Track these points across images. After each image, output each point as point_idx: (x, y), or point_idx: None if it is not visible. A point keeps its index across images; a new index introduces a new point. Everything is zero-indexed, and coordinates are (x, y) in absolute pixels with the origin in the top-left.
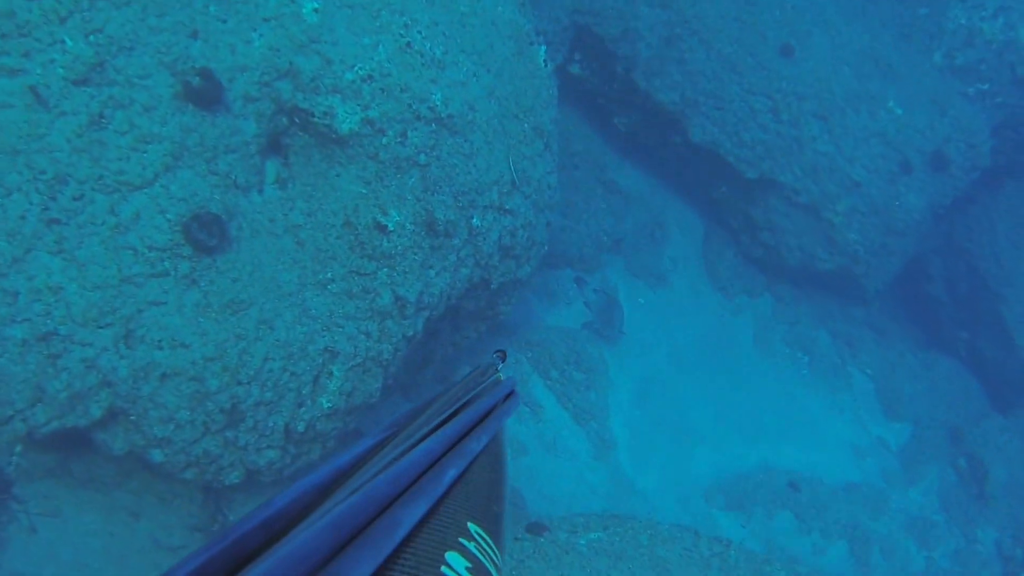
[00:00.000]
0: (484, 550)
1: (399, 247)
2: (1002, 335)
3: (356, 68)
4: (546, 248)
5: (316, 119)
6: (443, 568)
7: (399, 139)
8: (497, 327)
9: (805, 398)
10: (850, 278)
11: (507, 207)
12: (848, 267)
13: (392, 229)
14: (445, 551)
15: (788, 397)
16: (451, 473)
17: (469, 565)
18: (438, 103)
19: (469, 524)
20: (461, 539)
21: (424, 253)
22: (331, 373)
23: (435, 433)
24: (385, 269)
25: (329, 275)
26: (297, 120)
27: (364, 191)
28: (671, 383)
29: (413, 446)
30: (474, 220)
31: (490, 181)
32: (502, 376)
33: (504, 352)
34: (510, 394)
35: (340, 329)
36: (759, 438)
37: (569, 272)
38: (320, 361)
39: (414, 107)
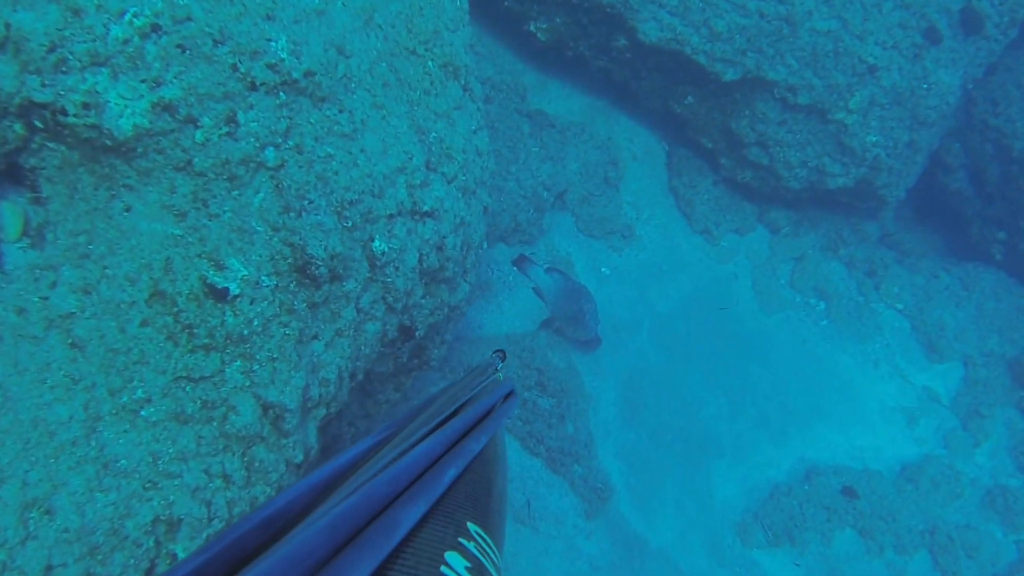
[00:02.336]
0: (484, 550)
1: (254, 319)
2: None
3: (129, 15)
4: (486, 246)
5: (72, 118)
6: (443, 568)
7: (225, 129)
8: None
9: (830, 356)
10: (868, 192)
11: (424, 207)
12: (868, 179)
13: (237, 291)
14: (445, 551)
15: (810, 360)
16: (450, 473)
17: (469, 565)
18: (284, 55)
19: (468, 524)
20: (460, 539)
21: (300, 318)
22: (173, 555)
23: (434, 433)
24: (237, 362)
25: (140, 393)
26: (39, 124)
27: (177, 231)
28: (663, 376)
29: (412, 446)
30: (375, 243)
31: (391, 170)
32: (501, 376)
33: (504, 352)
34: (510, 394)
35: (174, 481)
36: (788, 428)
37: (503, 249)
38: (150, 543)
39: (243, 69)
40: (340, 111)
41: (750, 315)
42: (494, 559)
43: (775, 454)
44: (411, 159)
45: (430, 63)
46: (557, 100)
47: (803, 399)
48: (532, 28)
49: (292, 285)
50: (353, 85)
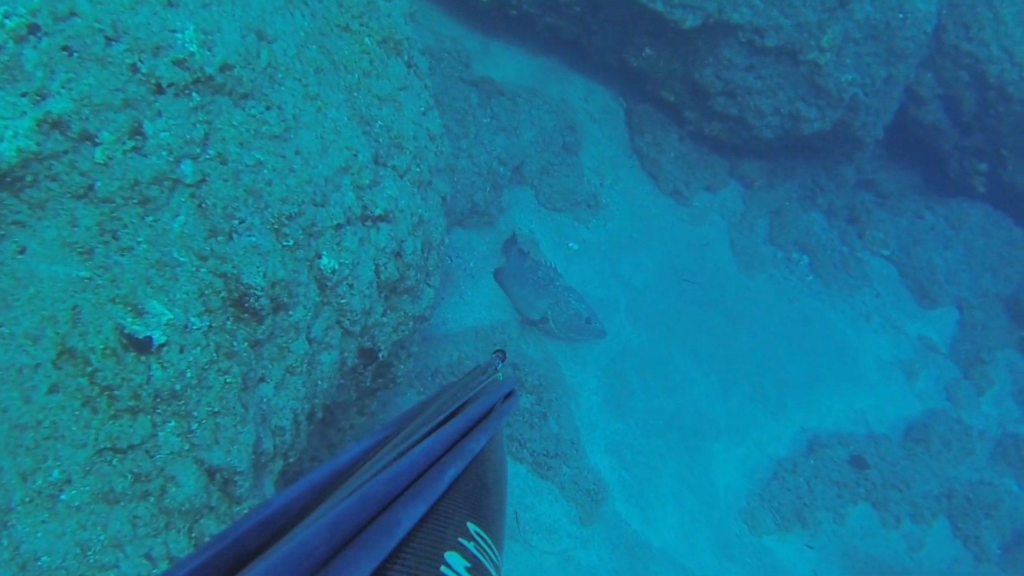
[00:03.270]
0: (483, 550)
1: (186, 370)
2: None
3: None
4: (447, 240)
5: None
6: (442, 568)
7: (130, 144)
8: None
9: (820, 315)
10: (846, 135)
11: (376, 210)
12: (846, 121)
13: (162, 339)
14: (444, 551)
15: (799, 321)
16: (450, 473)
17: (468, 565)
18: (193, 47)
19: (468, 524)
20: (460, 539)
21: (242, 361)
22: None
23: (434, 433)
24: (171, 422)
25: (56, 474)
26: None
27: (84, 273)
28: (647, 356)
29: (412, 446)
30: (323, 260)
31: (334, 171)
32: (501, 376)
33: (503, 352)
34: (510, 393)
35: (110, 573)
36: (785, 399)
37: (461, 234)
38: None
39: (145, 69)
40: (267, 108)
41: (732, 279)
42: (494, 559)
43: (774, 428)
44: (356, 156)
45: (367, 39)
46: (503, 64)
47: (797, 365)
48: None
49: (229, 323)
50: (280, 75)
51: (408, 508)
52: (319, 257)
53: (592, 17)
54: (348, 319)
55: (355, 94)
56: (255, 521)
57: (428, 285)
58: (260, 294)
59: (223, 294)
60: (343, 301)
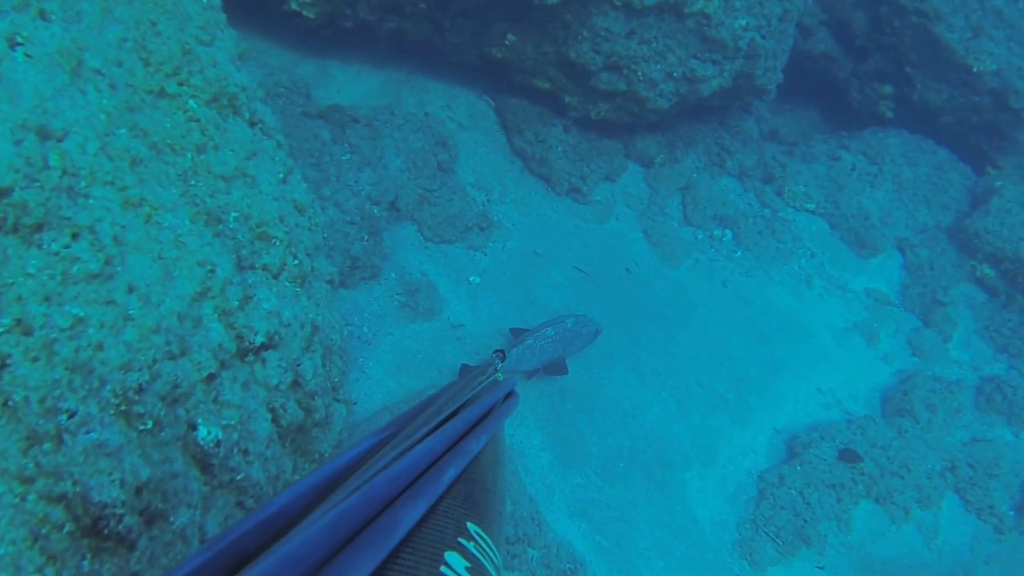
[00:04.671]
0: (483, 550)
1: None
2: (944, 66)
3: None
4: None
5: None
6: (442, 568)
7: None
8: None
9: (759, 292)
10: (747, 87)
11: (256, 338)
12: (746, 71)
13: None
14: (444, 551)
15: (739, 305)
16: (450, 473)
17: (468, 565)
18: None
19: (468, 524)
20: (460, 539)
21: None
22: None
23: (434, 433)
24: None
25: None
26: None
27: None
28: (587, 389)
29: (412, 446)
30: (199, 432)
31: (188, 302)
32: (501, 376)
33: (503, 352)
34: (509, 394)
35: None
36: (747, 400)
37: (344, 296)
38: None
39: None
40: (74, 237)
41: (655, 275)
42: (493, 559)
43: (745, 438)
44: (213, 271)
45: (192, 102)
46: (348, 86)
47: (750, 357)
48: (294, 6)
49: (85, 563)
50: (83, 184)
51: (408, 508)
52: (193, 429)
53: (442, 12)
54: (251, 494)
55: (192, 182)
56: (255, 521)
57: (338, 401)
58: (122, 511)
59: (67, 526)
60: (239, 477)
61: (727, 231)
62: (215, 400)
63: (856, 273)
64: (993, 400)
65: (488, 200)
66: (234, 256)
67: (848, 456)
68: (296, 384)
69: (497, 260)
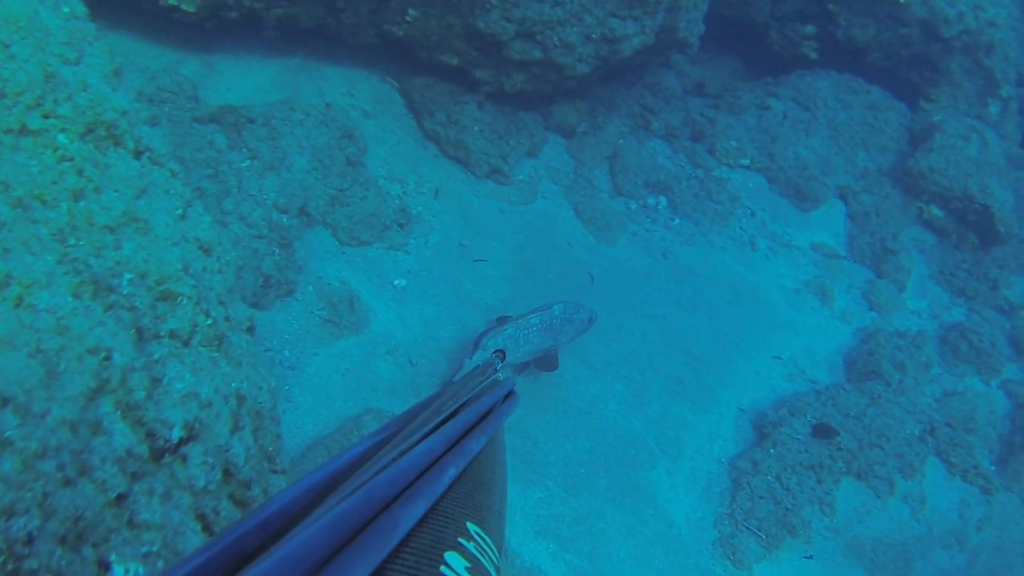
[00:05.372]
0: (483, 550)
1: None
2: (869, 0)
3: None
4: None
5: None
6: (442, 568)
7: None
8: None
9: (702, 260)
10: (670, 41)
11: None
12: (669, 25)
13: None
14: (444, 551)
15: (682, 276)
16: (450, 473)
17: (468, 565)
18: None
19: (468, 524)
20: (460, 539)
21: None
22: None
23: (434, 433)
24: None
25: None
26: None
27: None
28: (536, 391)
29: (412, 446)
30: (113, 571)
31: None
32: (501, 375)
33: (503, 352)
34: (509, 394)
35: None
36: (707, 381)
37: (260, 319)
38: None
39: None
40: None
41: (592, 254)
42: (493, 559)
43: (710, 423)
44: (109, 357)
45: (61, 137)
46: (239, 82)
47: (702, 333)
48: (171, 0)
49: None
50: None
51: (408, 508)
52: (106, 571)
53: None
54: None
55: (72, 241)
56: (255, 522)
57: (275, 473)
58: None
59: None
60: None
61: (661, 198)
62: (130, 524)
63: (800, 228)
64: (959, 349)
65: (404, 192)
66: (133, 331)
67: (823, 431)
68: (228, 476)
69: (421, 258)
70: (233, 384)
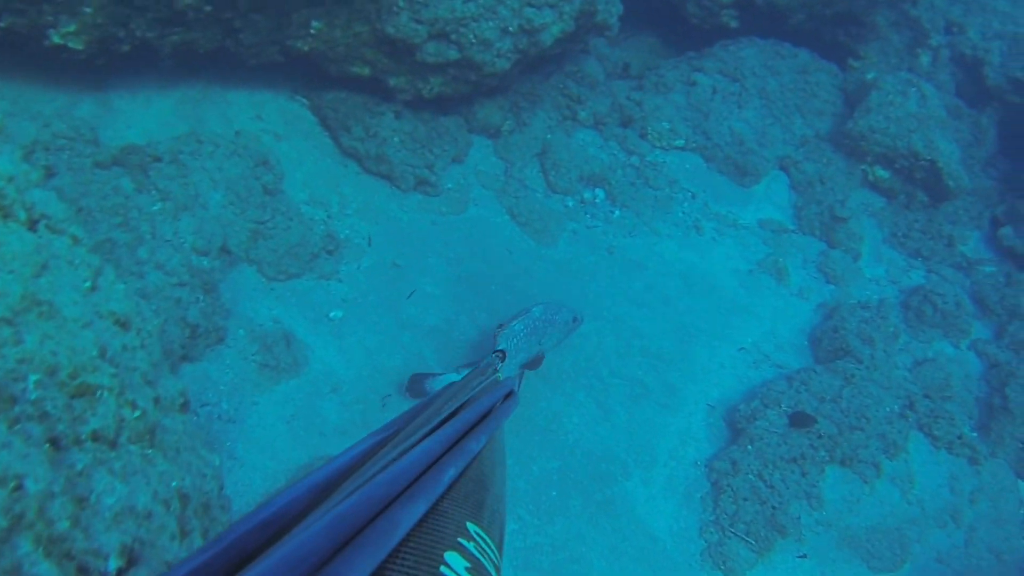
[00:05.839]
0: (483, 550)
1: None
2: None
3: None
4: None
5: None
6: (442, 568)
7: None
8: None
9: (648, 251)
10: (589, 26)
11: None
12: (587, 10)
13: None
14: (444, 551)
15: (630, 272)
16: (450, 473)
17: (468, 565)
18: None
19: (468, 524)
20: (460, 539)
21: None
22: None
23: (434, 433)
24: None
25: None
26: None
27: None
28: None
29: (412, 446)
30: None
31: None
32: (501, 376)
33: (503, 352)
34: (509, 394)
35: None
36: (670, 379)
37: (191, 371)
38: None
39: None
40: None
41: (534, 258)
42: (493, 559)
43: (680, 424)
44: (21, 486)
45: None
46: (139, 119)
47: (659, 329)
48: (56, 39)
49: None
50: None
51: (408, 508)
52: None
53: (231, 12)
54: None
55: None
56: (255, 522)
57: None
58: None
59: None
60: None
61: (598, 191)
62: None
63: (744, 205)
64: (924, 314)
65: (329, 216)
66: (46, 445)
67: (800, 420)
68: None
69: (355, 284)
70: (174, 483)
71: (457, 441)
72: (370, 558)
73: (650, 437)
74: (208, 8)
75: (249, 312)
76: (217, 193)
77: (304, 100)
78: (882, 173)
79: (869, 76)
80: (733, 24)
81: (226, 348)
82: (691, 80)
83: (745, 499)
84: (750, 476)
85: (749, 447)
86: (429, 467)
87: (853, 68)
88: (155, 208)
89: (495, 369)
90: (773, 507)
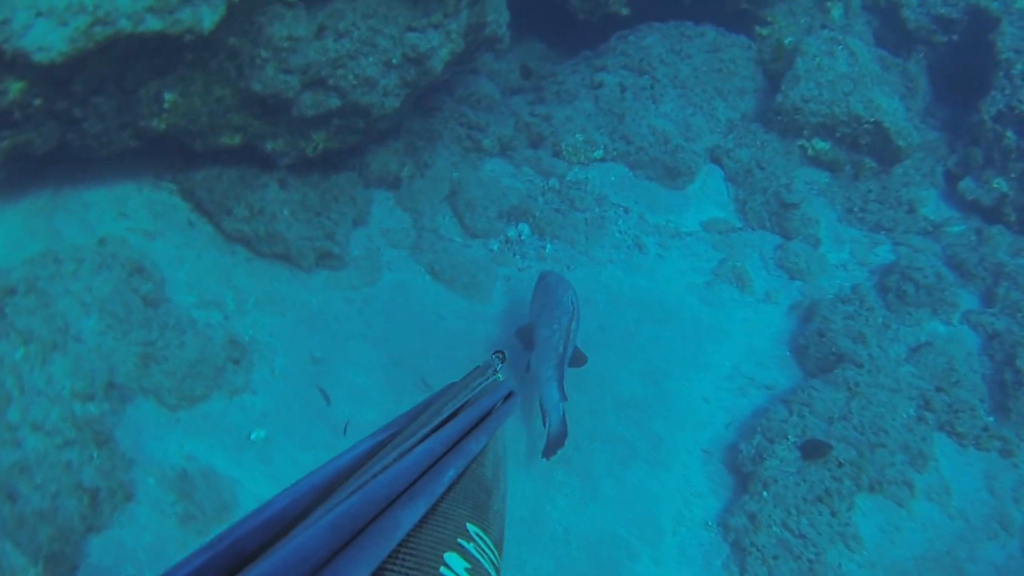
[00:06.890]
0: (483, 550)
1: None
2: None
3: None
4: None
5: None
6: (442, 568)
7: None
8: None
9: (593, 285)
10: (479, 40)
11: None
12: (475, 24)
13: None
14: (444, 551)
15: (587, 309)
16: (450, 474)
17: (468, 566)
18: None
19: (468, 524)
20: (460, 539)
21: None
22: None
23: (434, 434)
24: None
25: None
26: None
27: None
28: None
29: (413, 447)
30: None
31: None
32: (501, 376)
33: (503, 352)
34: (509, 394)
35: None
36: (653, 428)
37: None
38: None
39: None
40: None
41: (469, 319)
42: (493, 560)
43: (676, 481)
44: None
45: None
46: None
47: (626, 372)
48: None
49: None
50: None
51: (408, 509)
52: None
53: (67, 100)
54: None
55: None
56: (255, 522)
57: None
58: None
59: None
60: None
61: (522, 226)
62: None
63: (682, 210)
64: (905, 294)
65: (226, 317)
66: None
67: (813, 450)
68: None
69: (273, 394)
70: None
71: (457, 442)
72: (370, 558)
73: (648, 504)
74: (37, 101)
75: (156, 454)
76: (90, 319)
77: (171, 185)
78: (822, 145)
79: (788, 41)
80: (624, 12)
81: (137, 506)
82: (595, 82)
83: (775, 557)
84: (774, 528)
85: (764, 494)
86: (429, 468)
87: (763, 36)
88: (18, 355)
89: (495, 370)
90: (809, 560)
